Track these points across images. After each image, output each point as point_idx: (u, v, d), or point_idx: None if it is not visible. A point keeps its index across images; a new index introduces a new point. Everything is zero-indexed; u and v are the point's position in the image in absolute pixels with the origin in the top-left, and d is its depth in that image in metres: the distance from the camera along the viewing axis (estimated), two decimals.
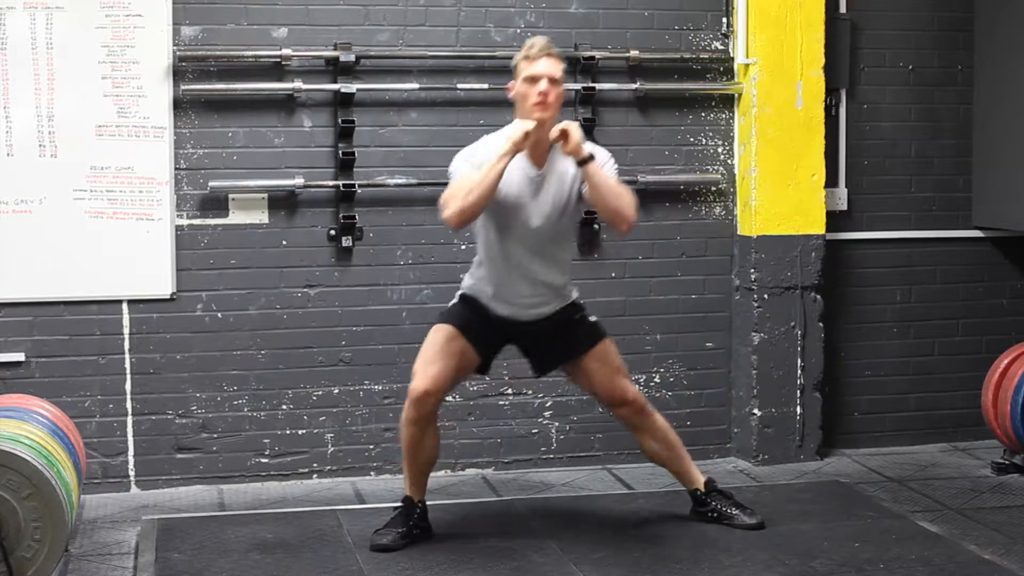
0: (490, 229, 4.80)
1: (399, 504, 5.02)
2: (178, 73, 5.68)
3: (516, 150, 4.62)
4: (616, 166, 4.88)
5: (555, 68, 4.70)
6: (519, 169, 4.72)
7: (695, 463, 6.00)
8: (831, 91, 6.23)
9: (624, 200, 4.72)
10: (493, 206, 4.69)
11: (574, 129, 4.62)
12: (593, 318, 5.07)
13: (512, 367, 6.03)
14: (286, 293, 5.86)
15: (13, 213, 5.57)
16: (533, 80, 4.67)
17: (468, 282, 4.98)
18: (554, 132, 4.65)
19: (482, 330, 4.91)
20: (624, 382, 5.04)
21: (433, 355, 4.83)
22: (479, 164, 4.67)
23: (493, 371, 6.00)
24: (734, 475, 5.99)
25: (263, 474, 5.87)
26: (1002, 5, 6.30)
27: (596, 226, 6.07)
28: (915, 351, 6.53)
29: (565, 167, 4.76)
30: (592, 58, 5.98)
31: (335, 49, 5.78)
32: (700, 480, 5.19)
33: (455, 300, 5.01)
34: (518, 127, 4.62)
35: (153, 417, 5.76)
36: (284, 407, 5.88)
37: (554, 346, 4.99)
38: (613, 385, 5.00)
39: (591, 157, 4.67)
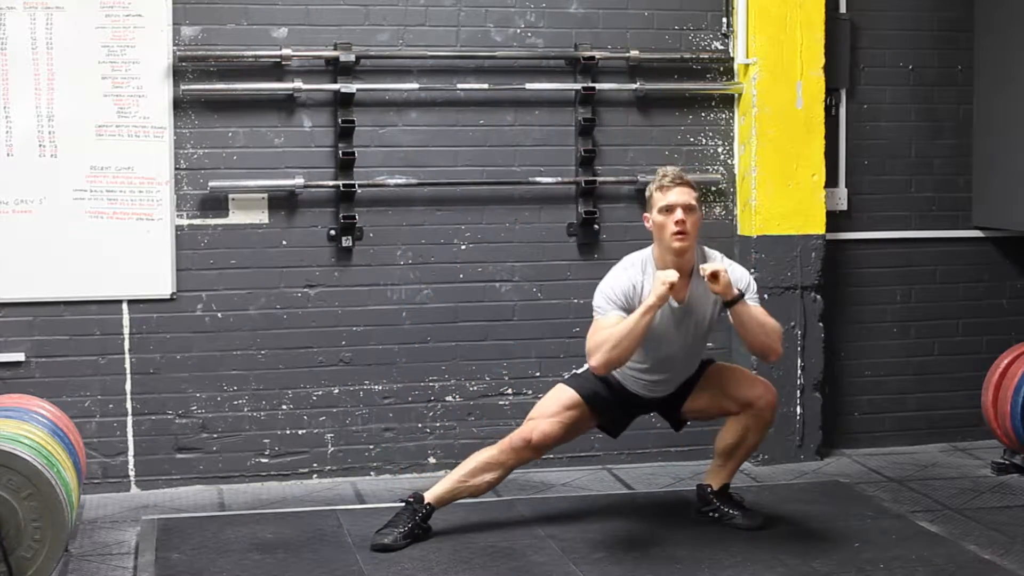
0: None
1: (408, 500, 5.02)
2: (178, 73, 5.68)
3: (662, 303, 4.66)
4: (755, 287, 4.93)
5: (690, 196, 4.78)
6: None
7: (693, 463, 6.05)
8: (831, 91, 6.23)
9: (771, 335, 4.82)
10: None
11: (722, 271, 4.69)
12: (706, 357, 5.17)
13: (512, 367, 6.04)
14: (286, 293, 5.86)
15: (13, 213, 5.57)
16: (669, 210, 4.74)
17: None
18: (704, 270, 4.70)
19: (608, 405, 5.02)
20: (740, 389, 5.03)
21: (552, 412, 4.96)
22: (623, 301, 4.74)
23: (493, 371, 6.04)
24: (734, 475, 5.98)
25: (263, 474, 5.87)
26: (1002, 5, 6.30)
27: (596, 226, 6.07)
28: (915, 351, 6.52)
29: (705, 291, 4.81)
30: (592, 58, 5.98)
31: (335, 49, 5.78)
32: (720, 483, 5.19)
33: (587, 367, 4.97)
34: (663, 279, 4.63)
35: (153, 417, 5.76)
36: (284, 407, 5.88)
37: (678, 398, 5.10)
38: (722, 399, 5.05)
39: (741, 296, 4.75)
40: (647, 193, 4.88)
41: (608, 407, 5.03)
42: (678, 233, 4.72)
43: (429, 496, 4.99)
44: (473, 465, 4.99)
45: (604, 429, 5.18)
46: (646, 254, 4.90)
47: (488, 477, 4.98)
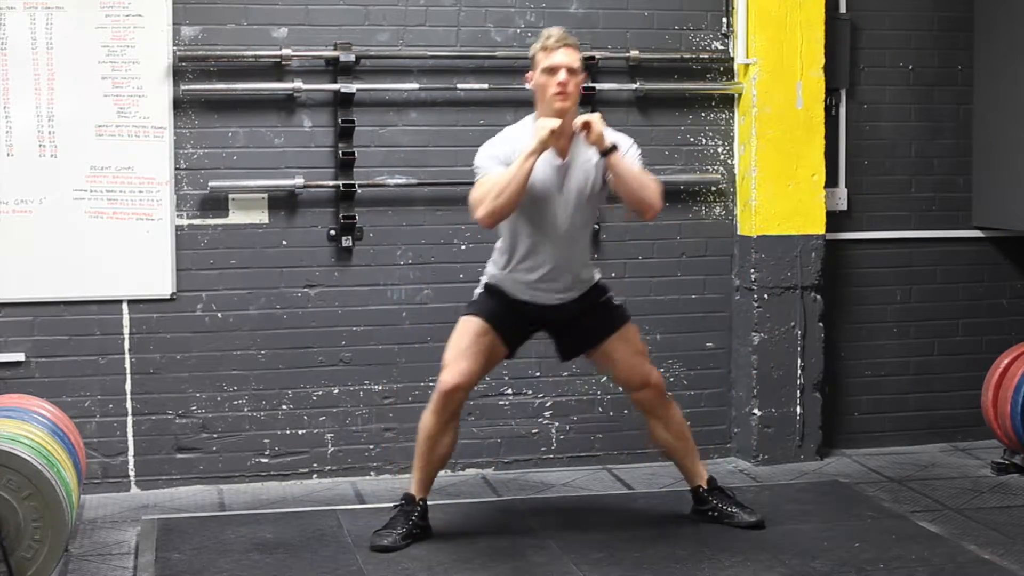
0: (517, 219, 4.81)
1: (399, 503, 5.03)
2: (178, 73, 5.68)
3: (542, 148, 4.66)
4: (639, 151, 4.91)
5: (573, 58, 4.74)
6: (544, 160, 4.75)
7: None
8: (831, 91, 6.23)
9: (649, 189, 4.78)
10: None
11: (596, 120, 4.69)
12: (617, 301, 5.12)
13: (512, 367, 6.03)
14: (286, 293, 5.86)
15: (13, 213, 5.57)
16: (552, 71, 4.71)
17: (492, 270, 5.00)
18: (577, 123, 4.69)
19: (509, 320, 4.95)
20: (647, 365, 5.06)
21: (463, 348, 4.88)
22: (504, 160, 4.72)
23: (493, 371, 6.03)
24: (734, 475, 5.99)
25: (263, 474, 5.87)
26: (1002, 5, 6.30)
27: (596, 226, 6.07)
28: (915, 351, 6.53)
29: (588, 154, 4.80)
30: (592, 58, 5.97)
31: (335, 49, 5.78)
32: (703, 477, 5.19)
33: (480, 290, 5.02)
34: (543, 125, 4.65)
35: (153, 417, 5.76)
36: (284, 407, 5.88)
37: (580, 329, 5.03)
38: (635, 366, 5.02)
39: (614, 147, 4.73)
40: (531, 52, 4.82)
41: (509, 323, 4.95)
42: (559, 94, 4.69)
43: (414, 491, 4.99)
44: (426, 442, 4.92)
45: (510, 353, 5.08)
46: (528, 120, 4.87)
47: (446, 440, 4.93)
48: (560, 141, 4.75)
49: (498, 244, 4.99)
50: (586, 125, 4.67)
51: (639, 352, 5.07)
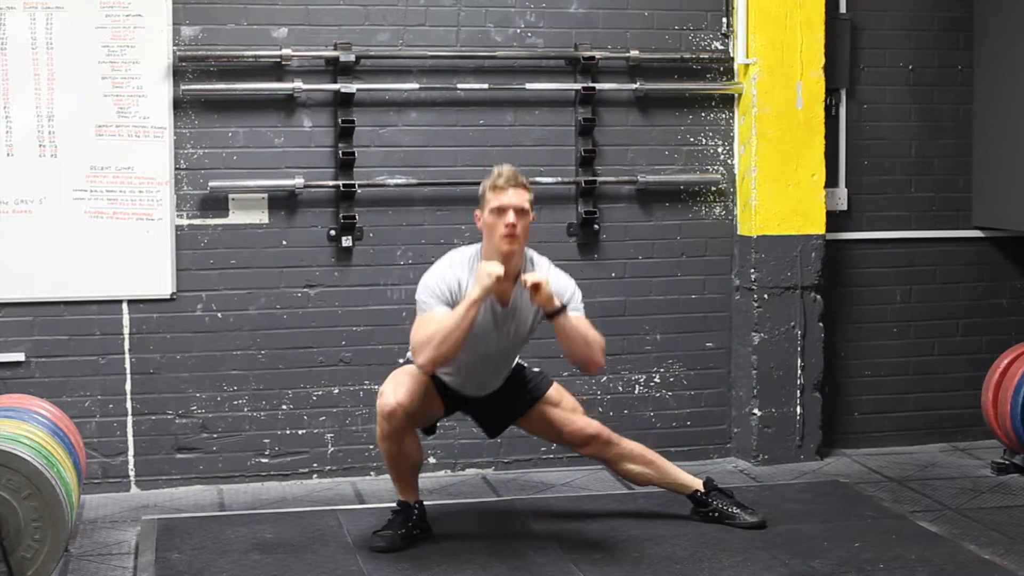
0: None
1: (396, 510, 5.01)
2: (178, 73, 5.68)
3: (486, 295, 4.59)
4: (581, 298, 4.83)
5: (522, 198, 4.66)
6: (485, 304, 4.67)
7: (693, 464, 6.02)
8: (831, 91, 6.23)
9: (593, 348, 4.73)
10: None
11: (544, 283, 4.59)
12: (536, 369, 5.11)
13: None
14: (286, 293, 5.86)
15: (13, 213, 5.57)
16: (500, 211, 4.62)
17: None
18: (525, 281, 4.60)
19: (442, 386, 4.94)
20: (583, 419, 5.06)
21: (404, 379, 4.81)
22: (447, 297, 4.65)
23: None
24: (734, 475, 5.99)
25: (263, 474, 5.87)
26: (1002, 5, 6.30)
27: (596, 226, 6.07)
28: (915, 351, 6.53)
29: (528, 298, 4.70)
30: (592, 58, 5.98)
31: (335, 49, 5.78)
32: (696, 482, 5.18)
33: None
34: (488, 271, 4.55)
35: (153, 417, 5.76)
36: (284, 407, 5.88)
37: (505, 404, 5.02)
38: (573, 424, 5.02)
39: (562, 309, 4.66)
40: (481, 190, 4.73)
41: (443, 388, 4.93)
42: (507, 236, 4.61)
43: (403, 497, 4.96)
44: (391, 461, 4.86)
45: (444, 412, 5.04)
46: (473, 251, 4.79)
47: (409, 449, 4.84)
48: (504, 284, 4.66)
49: None
50: (535, 287, 4.57)
51: (572, 408, 5.06)
